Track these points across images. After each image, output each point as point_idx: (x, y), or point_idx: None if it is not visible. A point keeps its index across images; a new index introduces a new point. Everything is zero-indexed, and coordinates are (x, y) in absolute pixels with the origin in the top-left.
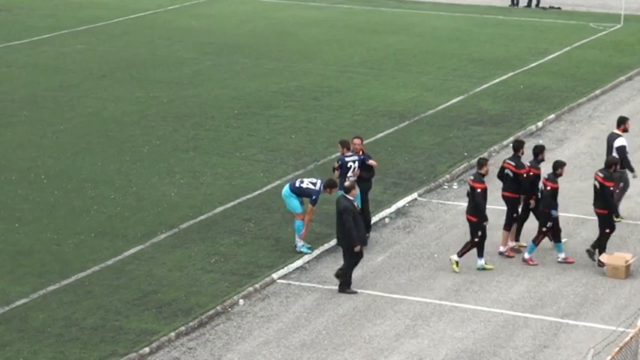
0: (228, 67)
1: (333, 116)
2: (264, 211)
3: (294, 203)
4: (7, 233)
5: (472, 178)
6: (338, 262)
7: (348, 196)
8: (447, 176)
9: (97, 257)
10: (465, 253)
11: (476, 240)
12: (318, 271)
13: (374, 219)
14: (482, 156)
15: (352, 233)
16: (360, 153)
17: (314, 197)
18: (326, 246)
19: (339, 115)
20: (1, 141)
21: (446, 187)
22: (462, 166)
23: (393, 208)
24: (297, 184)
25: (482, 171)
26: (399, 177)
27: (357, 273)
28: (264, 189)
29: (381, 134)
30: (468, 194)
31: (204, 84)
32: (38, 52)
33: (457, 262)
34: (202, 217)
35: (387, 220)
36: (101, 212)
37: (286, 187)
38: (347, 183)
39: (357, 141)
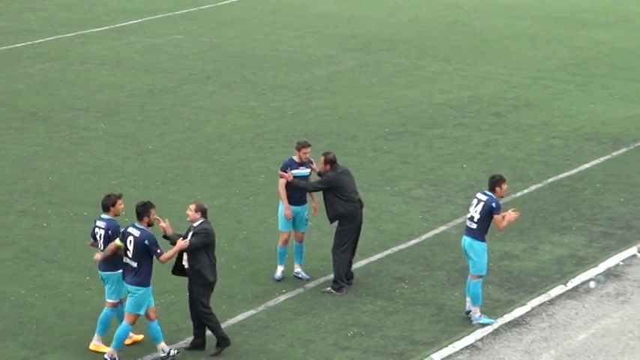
0: (377, 70)
1: (520, 139)
2: (423, 268)
3: (482, 260)
4: (74, 289)
5: None
6: (522, 337)
7: None
8: None
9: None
10: None
11: None
12: (495, 352)
13: (574, 280)
14: None
15: None
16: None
17: (493, 205)
18: (507, 317)
19: (529, 138)
20: (72, 163)
21: None
22: None
23: (602, 267)
24: (471, 225)
25: None
26: (611, 225)
27: (547, 355)
28: (423, 237)
29: (587, 165)
30: None
31: (344, 91)
32: (122, 44)
33: None
34: None
35: (592, 284)
36: None
37: (465, 235)
38: None
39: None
